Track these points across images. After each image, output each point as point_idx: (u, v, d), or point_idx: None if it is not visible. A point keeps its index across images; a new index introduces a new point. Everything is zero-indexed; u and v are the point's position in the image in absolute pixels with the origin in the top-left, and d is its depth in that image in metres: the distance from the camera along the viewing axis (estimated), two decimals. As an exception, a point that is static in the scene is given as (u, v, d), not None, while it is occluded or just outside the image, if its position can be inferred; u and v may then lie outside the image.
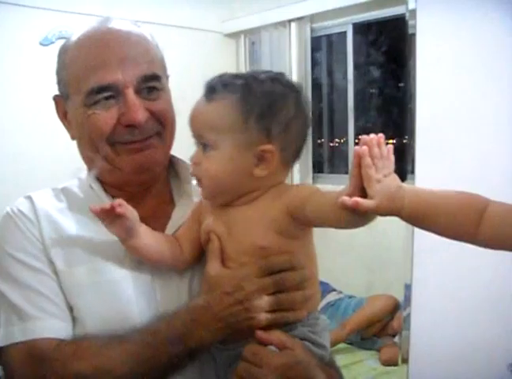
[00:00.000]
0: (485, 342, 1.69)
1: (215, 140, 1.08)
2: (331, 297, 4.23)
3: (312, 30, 4.76)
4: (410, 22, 2.11)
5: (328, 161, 5.12)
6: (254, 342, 1.07)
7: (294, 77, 4.64)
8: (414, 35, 2.06)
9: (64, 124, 1.28)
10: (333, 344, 3.77)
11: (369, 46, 4.80)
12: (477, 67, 1.94)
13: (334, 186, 1.10)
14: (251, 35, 5.12)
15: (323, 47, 5.02)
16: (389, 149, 0.95)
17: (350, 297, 4.24)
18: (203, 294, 1.12)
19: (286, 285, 1.09)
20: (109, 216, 1.10)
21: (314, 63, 4.91)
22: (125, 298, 1.16)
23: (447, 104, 2.02)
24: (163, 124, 1.22)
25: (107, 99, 1.16)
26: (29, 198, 1.26)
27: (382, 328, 3.89)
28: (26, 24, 3.99)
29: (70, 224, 1.22)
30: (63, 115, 1.27)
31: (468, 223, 0.89)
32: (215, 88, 1.10)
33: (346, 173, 4.29)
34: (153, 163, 1.21)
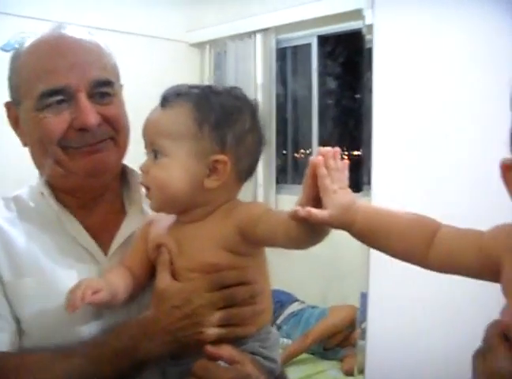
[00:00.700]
0: (441, 353, 1.71)
1: (166, 147, 1.07)
2: (294, 307, 4.23)
3: (277, 41, 4.80)
4: (367, 37, 2.13)
5: (292, 172, 5.15)
6: (204, 357, 1.04)
7: (259, 88, 4.67)
8: (371, 49, 2.08)
9: (16, 131, 1.26)
10: (296, 354, 3.78)
11: (332, 58, 4.85)
12: (434, 79, 1.97)
13: (298, 197, 1.07)
14: (217, 46, 5.13)
15: (288, 59, 5.05)
16: (344, 163, 0.94)
17: (313, 307, 4.24)
18: (152, 308, 1.10)
19: (236, 300, 1.08)
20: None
21: (279, 74, 4.92)
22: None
23: (404, 116, 2.05)
24: (116, 129, 1.21)
25: (59, 104, 1.15)
26: None
27: (345, 339, 3.90)
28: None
29: (19, 235, 1.20)
30: (15, 122, 1.25)
31: (419, 244, 0.88)
32: (170, 97, 1.09)
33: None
34: (106, 166, 1.20)
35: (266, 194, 4.77)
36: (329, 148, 0.94)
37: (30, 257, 1.17)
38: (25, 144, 1.25)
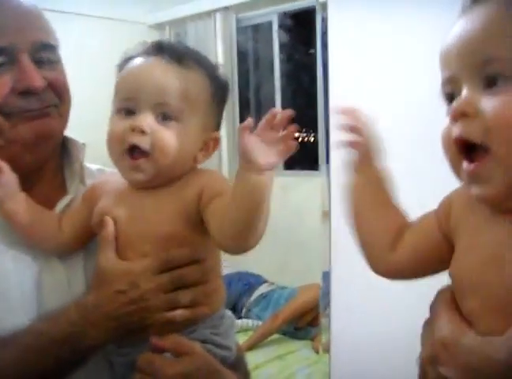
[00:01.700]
0: (405, 330, 1.69)
1: (181, 111, 0.99)
2: (263, 289, 4.22)
3: (237, 20, 4.72)
4: (322, 14, 2.09)
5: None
6: (149, 348, 0.98)
7: (220, 66, 4.60)
8: (325, 26, 2.04)
9: None
10: (267, 335, 3.77)
11: (292, 35, 4.79)
12: (390, 58, 1.93)
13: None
14: (176, 27, 5.05)
15: (249, 37, 4.98)
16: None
17: (282, 288, 4.23)
18: (94, 290, 1.02)
19: (187, 281, 1.01)
20: None
21: (241, 53, 4.85)
22: (8, 294, 1.05)
23: (360, 97, 2.01)
24: (60, 96, 1.12)
25: None
26: None
27: (315, 318, 3.89)
28: None
29: None
30: None
31: (388, 238, 0.84)
32: (188, 57, 1.02)
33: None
34: (50, 132, 1.10)
35: (231, 170, 4.71)
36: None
37: None
38: None
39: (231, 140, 4.67)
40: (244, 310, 4.09)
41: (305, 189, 4.21)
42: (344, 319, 2.09)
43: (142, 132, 0.96)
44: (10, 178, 1.04)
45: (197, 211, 0.99)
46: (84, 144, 1.22)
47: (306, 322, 3.90)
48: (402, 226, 0.85)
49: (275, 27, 4.61)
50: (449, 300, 0.75)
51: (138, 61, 1.03)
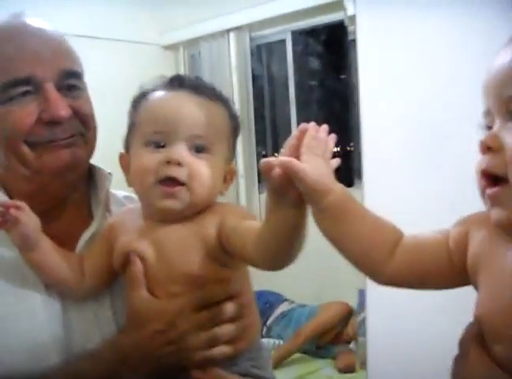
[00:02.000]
0: (442, 342, 1.66)
1: (214, 144, 1.00)
2: (283, 307, 4.18)
3: (251, 39, 4.73)
4: (349, 28, 2.09)
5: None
6: None
7: (235, 87, 4.61)
8: (354, 40, 2.04)
9: None
10: (288, 355, 3.73)
11: (308, 52, 4.78)
12: (421, 69, 1.93)
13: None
14: (190, 47, 5.06)
15: (263, 56, 4.99)
16: (332, 138, 0.85)
17: (302, 306, 4.19)
18: (130, 330, 1.00)
19: (224, 317, 0.99)
20: (4, 219, 0.98)
21: (255, 72, 4.85)
22: (36, 332, 1.02)
23: (393, 110, 2.00)
24: (86, 125, 1.11)
25: (24, 96, 1.04)
26: None
27: (337, 336, 3.86)
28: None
29: None
30: None
31: (382, 248, 0.80)
32: (214, 91, 1.04)
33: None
34: (76, 162, 1.08)
35: (249, 195, 4.70)
36: (312, 124, 0.85)
37: None
38: None
39: (247, 161, 4.66)
40: (265, 329, 4.05)
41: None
42: (381, 336, 2.07)
43: (179, 164, 0.96)
44: (32, 220, 1.01)
45: (220, 245, 0.97)
46: (110, 173, 1.20)
47: (327, 340, 3.86)
48: (396, 234, 0.83)
49: (289, 45, 4.60)
50: (477, 338, 0.73)
51: (163, 94, 1.03)
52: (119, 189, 1.25)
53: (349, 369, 3.55)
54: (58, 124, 1.05)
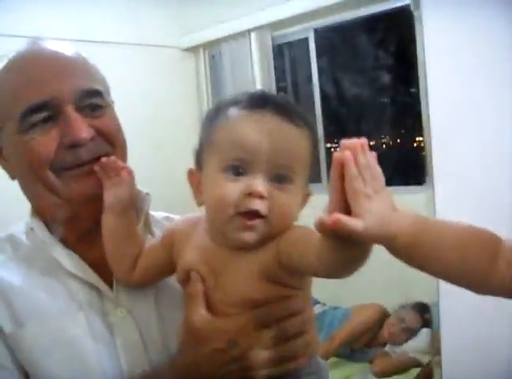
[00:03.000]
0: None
1: (296, 173, 0.94)
2: (316, 310, 4.12)
3: (273, 38, 4.66)
4: (415, 13, 2.04)
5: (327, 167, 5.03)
6: None
7: (258, 88, 4.55)
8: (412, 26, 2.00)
9: (1, 163, 1.13)
10: (323, 359, 3.65)
11: (332, 50, 4.71)
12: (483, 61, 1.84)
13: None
14: (211, 48, 5.01)
15: (285, 55, 4.92)
16: (374, 157, 0.75)
17: (334, 308, 4.13)
18: (188, 349, 0.97)
19: (287, 335, 0.95)
20: (111, 176, 1.03)
21: (278, 72, 4.79)
22: (85, 355, 1.01)
23: (462, 103, 1.91)
24: (112, 143, 1.08)
25: (45, 122, 1.02)
26: None
27: (372, 338, 3.79)
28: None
29: (15, 279, 1.06)
30: None
31: (482, 261, 0.71)
32: (294, 113, 0.95)
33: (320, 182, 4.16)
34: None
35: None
36: (355, 140, 0.74)
37: (29, 303, 1.04)
38: (13, 178, 1.12)
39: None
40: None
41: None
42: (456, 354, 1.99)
43: (261, 197, 0.90)
44: (133, 190, 1.07)
45: (282, 266, 0.92)
46: (148, 193, 1.17)
47: (362, 343, 3.80)
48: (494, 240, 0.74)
49: (311, 43, 4.54)
50: None
51: (246, 116, 0.95)
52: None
53: (385, 373, 3.48)
54: (80, 146, 1.03)
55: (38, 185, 1.05)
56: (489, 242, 0.73)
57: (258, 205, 0.90)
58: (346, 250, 0.75)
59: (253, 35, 4.60)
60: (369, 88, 4.53)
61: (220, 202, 0.92)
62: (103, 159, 1.04)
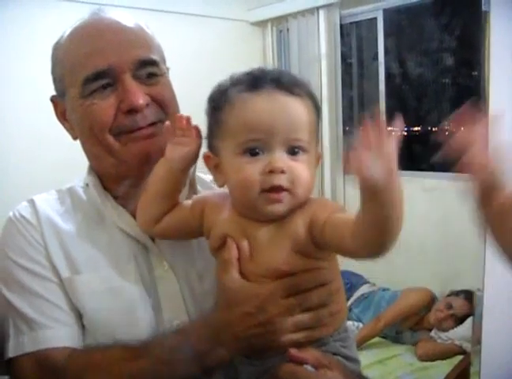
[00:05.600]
0: None
1: (309, 143, 1.00)
2: (364, 289, 4.15)
3: (341, 17, 4.64)
4: None
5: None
6: (282, 358, 0.99)
7: (324, 66, 4.55)
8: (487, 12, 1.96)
9: (64, 125, 1.23)
10: (368, 338, 3.70)
11: (400, 31, 4.65)
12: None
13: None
14: (278, 24, 5.01)
15: (352, 34, 4.88)
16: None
17: (384, 289, 4.14)
18: (222, 309, 1.04)
19: (313, 304, 1.01)
20: (178, 134, 1.07)
21: (344, 50, 4.76)
22: (132, 304, 1.13)
23: None
24: (165, 110, 1.16)
25: (104, 88, 1.12)
26: (31, 202, 1.22)
27: (418, 322, 3.80)
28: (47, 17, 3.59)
29: (73, 229, 1.18)
30: (62, 115, 1.22)
31: None
32: (297, 85, 1.01)
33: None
34: (159, 152, 1.12)
35: (333, 187, 4.64)
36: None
37: (84, 252, 1.16)
38: (75, 138, 1.22)
39: (333, 146, 4.62)
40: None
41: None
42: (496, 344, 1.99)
43: (282, 172, 0.96)
44: (197, 153, 1.09)
45: (312, 240, 0.98)
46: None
47: (408, 326, 3.80)
48: None
49: (380, 24, 4.48)
50: None
51: (252, 96, 0.99)
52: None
53: (429, 358, 3.49)
54: (137, 112, 1.12)
55: (97, 147, 1.15)
56: None
57: (281, 180, 0.96)
58: (376, 210, 0.82)
59: (321, 12, 4.58)
60: (432, 69, 4.45)
61: (245, 185, 0.98)
62: (178, 115, 1.10)
